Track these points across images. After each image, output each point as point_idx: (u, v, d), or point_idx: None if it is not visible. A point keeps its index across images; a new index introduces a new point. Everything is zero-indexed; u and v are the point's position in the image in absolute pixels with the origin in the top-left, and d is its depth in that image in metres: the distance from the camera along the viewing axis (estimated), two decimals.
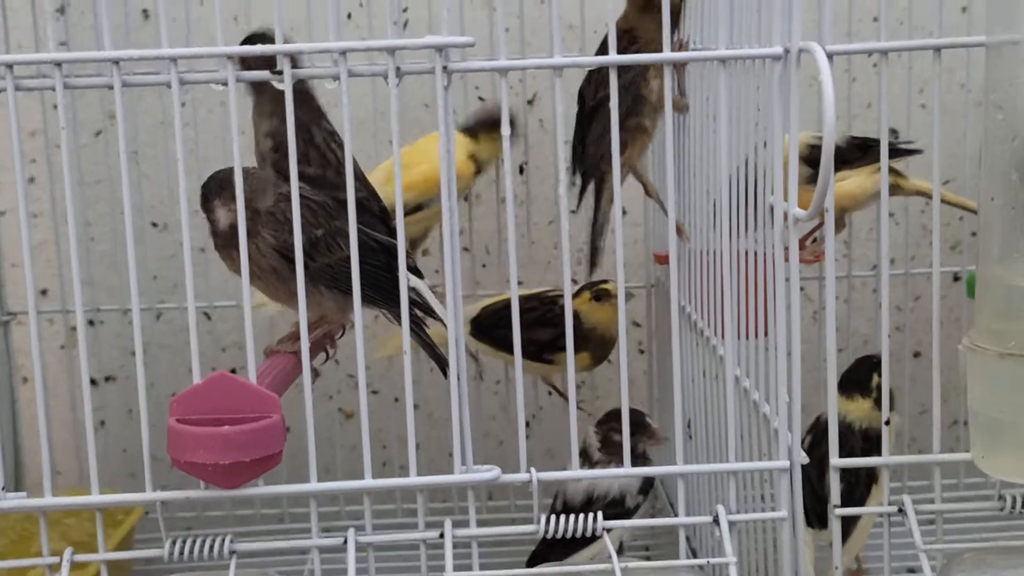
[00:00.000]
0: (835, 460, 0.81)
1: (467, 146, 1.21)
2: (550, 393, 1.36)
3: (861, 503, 1.01)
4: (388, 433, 1.29)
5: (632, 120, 1.04)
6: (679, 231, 1.12)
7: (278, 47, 0.73)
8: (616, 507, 1.01)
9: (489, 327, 1.20)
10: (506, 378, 1.38)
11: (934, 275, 0.82)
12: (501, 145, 1.19)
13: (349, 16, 1.34)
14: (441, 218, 0.78)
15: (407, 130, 1.25)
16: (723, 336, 0.88)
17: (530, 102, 1.37)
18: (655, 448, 1.04)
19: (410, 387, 0.80)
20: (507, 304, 1.22)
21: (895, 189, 1.20)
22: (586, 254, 1.16)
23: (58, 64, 0.74)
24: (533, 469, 0.78)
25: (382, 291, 0.88)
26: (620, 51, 1.07)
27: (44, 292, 1.36)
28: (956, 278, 1.37)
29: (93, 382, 1.39)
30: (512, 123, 1.19)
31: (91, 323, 1.36)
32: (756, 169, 0.84)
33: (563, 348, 1.16)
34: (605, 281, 1.19)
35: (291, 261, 0.79)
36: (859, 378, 1.12)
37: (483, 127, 1.21)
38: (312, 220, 0.88)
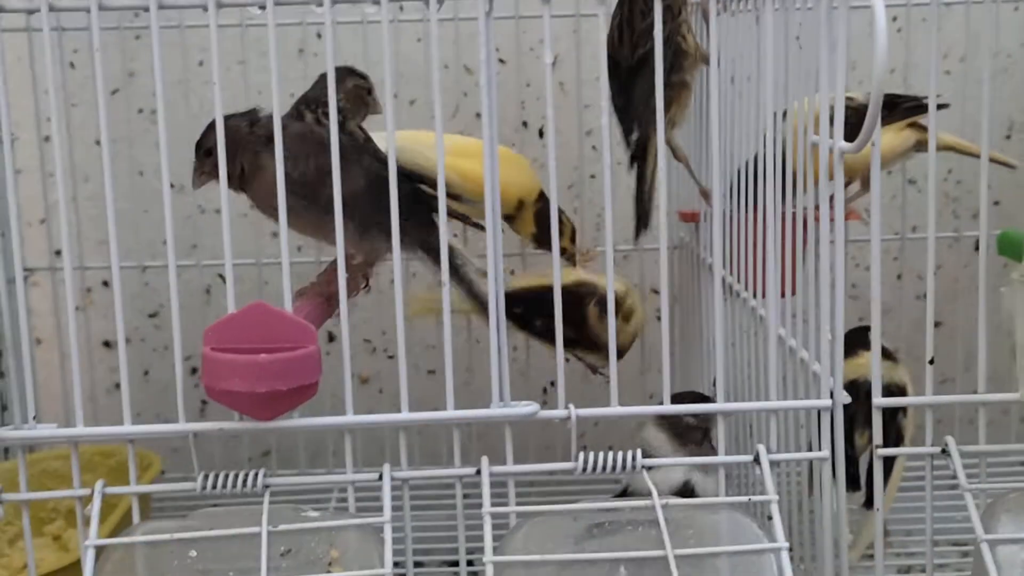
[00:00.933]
0: (877, 400, 0.79)
1: (531, 191, 1.16)
2: (568, 360, 1.34)
3: (890, 461, 1.00)
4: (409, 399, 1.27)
5: (675, 76, 1.02)
6: (704, 196, 1.11)
7: None
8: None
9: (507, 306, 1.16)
10: (525, 344, 1.37)
11: (982, 226, 0.80)
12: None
13: None
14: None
15: (424, 92, 1.23)
16: (755, 292, 0.87)
17: (552, 64, 1.36)
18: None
19: (448, 322, 0.78)
20: (523, 291, 1.19)
21: (927, 145, 1.18)
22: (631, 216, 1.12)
23: None
24: (572, 405, 0.77)
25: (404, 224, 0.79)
26: (641, 10, 1.07)
27: (59, 252, 1.34)
28: (977, 247, 1.36)
29: (107, 344, 1.39)
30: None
31: (105, 284, 1.35)
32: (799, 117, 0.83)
33: (580, 345, 1.12)
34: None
35: (298, 196, 0.79)
36: (858, 339, 1.09)
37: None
38: (313, 151, 0.84)
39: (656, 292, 1.39)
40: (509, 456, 0.77)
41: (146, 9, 0.73)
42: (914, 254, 1.35)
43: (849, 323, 0.93)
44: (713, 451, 0.90)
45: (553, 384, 1.39)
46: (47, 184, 1.28)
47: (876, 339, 0.81)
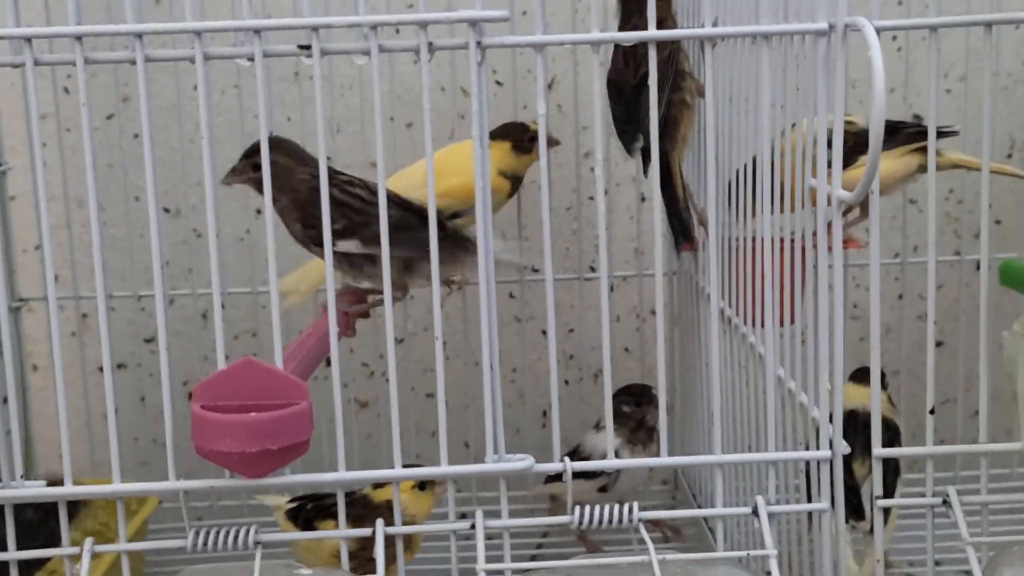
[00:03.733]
0: (877, 450, 0.78)
1: (497, 161, 1.17)
2: (567, 382, 1.34)
3: (890, 494, 0.98)
4: (405, 422, 1.26)
5: (676, 95, 1.03)
6: (700, 222, 1.10)
7: (306, 20, 0.71)
8: None
9: None
10: (523, 366, 1.36)
11: (982, 247, 0.79)
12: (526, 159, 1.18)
13: None
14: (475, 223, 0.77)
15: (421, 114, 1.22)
16: (754, 324, 0.86)
17: (549, 86, 1.35)
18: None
19: (441, 371, 0.77)
20: None
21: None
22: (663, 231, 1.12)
23: (79, 38, 0.72)
24: (567, 458, 0.76)
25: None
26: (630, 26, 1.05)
27: (55, 278, 1.33)
28: (978, 267, 1.35)
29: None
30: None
31: None
32: (789, 153, 0.82)
33: None
34: None
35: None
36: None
37: (502, 137, 1.18)
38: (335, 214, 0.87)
39: (652, 313, 1.38)
40: (504, 510, 0.76)
41: (133, 62, 0.72)
42: (915, 275, 1.35)
43: (849, 343, 0.91)
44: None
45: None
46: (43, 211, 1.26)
47: (876, 386, 0.79)
